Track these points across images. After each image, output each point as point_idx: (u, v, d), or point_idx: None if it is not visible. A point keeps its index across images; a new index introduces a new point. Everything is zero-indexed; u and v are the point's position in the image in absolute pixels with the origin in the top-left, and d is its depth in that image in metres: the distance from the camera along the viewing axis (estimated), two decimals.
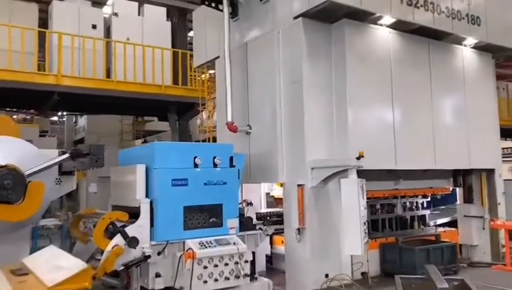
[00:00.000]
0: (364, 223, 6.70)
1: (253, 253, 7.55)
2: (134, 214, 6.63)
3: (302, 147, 7.64)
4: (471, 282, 5.68)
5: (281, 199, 8.36)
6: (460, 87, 9.67)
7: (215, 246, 6.66)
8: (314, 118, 7.78)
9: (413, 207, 10.41)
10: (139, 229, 6.44)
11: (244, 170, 7.81)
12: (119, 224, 6.55)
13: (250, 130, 8.66)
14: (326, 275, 7.50)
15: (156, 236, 6.52)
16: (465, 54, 9.79)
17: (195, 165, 6.88)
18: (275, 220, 8.24)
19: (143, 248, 6.40)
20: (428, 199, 10.66)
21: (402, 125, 8.47)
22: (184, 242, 6.65)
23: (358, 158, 6.84)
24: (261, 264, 9.69)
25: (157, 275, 6.55)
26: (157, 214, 6.54)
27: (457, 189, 10.93)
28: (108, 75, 12.23)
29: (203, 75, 12.70)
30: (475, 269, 9.53)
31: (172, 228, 6.61)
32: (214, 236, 6.85)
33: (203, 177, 6.93)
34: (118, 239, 6.28)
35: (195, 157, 6.88)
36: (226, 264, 6.62)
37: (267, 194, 10.34)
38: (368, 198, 9.17)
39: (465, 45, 9.70)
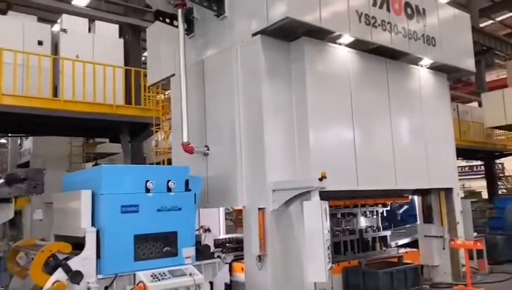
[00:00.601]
0: (328, 247, 6.37)
1: (211, 283, 7.06)
2: (78, 245, 6.01)
3: (262, 169, 7.28)
4: None
5: (241, 223, 7.93)
6: (418, 107, 9.71)
7: (169, 277, 6.14)
8: (275, 138, 7.46)
9: (374, 228, 10.24)
10: (84, 261, 5.83)
11: (201, 194, 7.35)
12: (61, 257, 5.92)
13: (207, 151, 8.22)
14: None
15: (103, 269, 5.92)
16: (422, 74, 9.88)
17: (147, 190, 6.37)
18: (234, 247, 7.77)
19: (88, 282, 5.78)
20: (388, 207, 10.52)
21: (363, 146, 8.31)
22: (135, 275, 6.09)
23: (320, 179, 6.54)
24: None
25: None
26: (104, 244, 5.95)
27: (417, 209, 10.89)
28: (55, 94, 11.48)
29: (158, 96, 12.19)
30: None
31: (121, 260, 6.03)
32: (168, 267, 6.34)
33: (156, 202, 6.42)
34: (59, 274, 5.66)
35: (147, 181, 6.38)
36: None
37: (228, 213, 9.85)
38: (329, 206, 8.95)
39: (421, 65, 9.79)
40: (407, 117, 9.43)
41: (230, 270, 9.19)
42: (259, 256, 7.05)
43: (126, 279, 6.09)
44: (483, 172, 25.75)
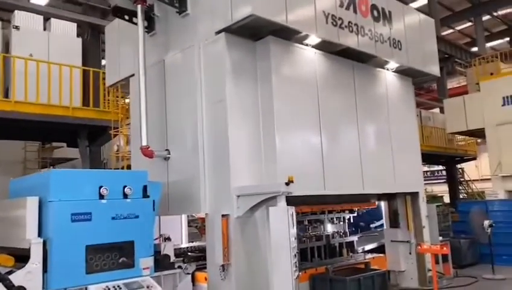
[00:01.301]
0: (295, 255, 6.08)
1: None
2: (23, 257, 5.47)
3: (226, 174, 6.93)
4: None
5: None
6: (384, 111, 9.62)
7: None
8: (240, 141, 7.13)
9: (341, 233, 10.08)
10: (29, 276, 5.32)
11: (161, 200, 6.92)
12: (4, 271, 5.36)
13: (168, 156, 7.79)
14: None
15: (51, 283, 5.42)
16: (388, 78, 9.81)
17: (101, 196, 5.91)
18: (197, 256, 7.36)
19: None
20: (355, 213, 10.39)
21: (330, 150, 8.10)
22: (86, 289, 5.58)
23: (287, 184, 6.25)
24: None
25: None
26: (52, 256, 5.45)
27: (383, 214, 10.79)
28: (6, 95, 10.75)
29: (117, 98, 11.63)
30: None
31: (71, 273, 5.54)
32: (124, 279, 5.87)
33: (111, 210, 5.96)
34: None
35: (100, 187, 5.92)
36: None
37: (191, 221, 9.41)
38: (296, 213, 8.69)
39: (387, 69, 9.72)
40: (373, 121, 9.31)
41: (193, 280, 8.77)
42: (223, 265, 6.67)
43: None
44: (444, 177, 26.34)
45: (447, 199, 22.71)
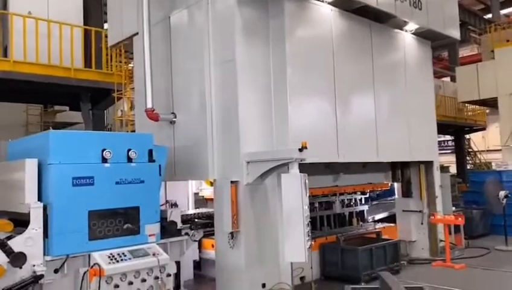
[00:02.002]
0: (308, 224, 5.78)
1: (178, 263, 6.39)
2: (23, 222, 5.19)
3: (236, 139, 6.56)
4: None
5: (212, 199, 7.24)
6: (401, 76, 9.15)
7: (129, 258, 5.43)
8: (250, 104, 6.73)
9: (352, 203, 9.82)
10: (29, 241, 5.05)
11: (167, 165, 6.60)
12: (2, 236, 5.10)
13: (174, 119, 7.41)
14: (263, 285, 6.50)
15: (52, 249, 5.16)
16: (406, 40, 9.29)
17: (104, 160, 5.59)
18: (204, 223, 7.09)
19: (34, 265, 5.00)
20: (367, 195, 10.14)
21: (344, 116, 7.70)
22: (90, 255, 5.33)
23: (301, 150, 5.88)
24: (187, 272, 8.49)
25: None
26: (52, 221, 5.17)
27: (395, 183, 10.48)
28: (5, 54, 10.31)
29: (120, 58, 11.15)
30: (415, 266, 9.07)
31: (73, 239, 5.28)
32: (129, 246, 5.62)
33: (114, 174, 5.65)
34: None
35: (103, 150, 5.58)
36: (144, 281, 5.44)
37: (196, 194, 9.14)
38: None
39: (406, 30, 9.18)
40: (390, 86, 8.86)
41: (200, 247, 8.59)
42: (232, 233, 6.40)
43: (80, 260, 5.36)
44: (450, 147, 25.95)
45: (452, 170, 22.43)
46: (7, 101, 12.05)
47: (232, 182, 6.42)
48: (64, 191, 5.23)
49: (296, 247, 5.60)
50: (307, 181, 5.95)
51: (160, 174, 6.18)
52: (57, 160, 5.23)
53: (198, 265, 8.78)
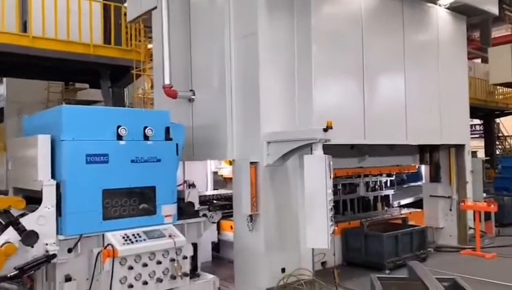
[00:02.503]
0: (331, 208, 5.47)
1: (195, 245, 6.18)
2: (37, 199, 5.04)
3: (256, 117, 6.26)
4: (463, 282, 4.61)
5: (231, 178, 6.98)
6: (434, 53, 8.62)
7: (144, 239, 5.23)
8: (272, 82, 6.39)
9: (377, 187, 9.45)
10: (41, 220, 4.89)
11: (185, 144, 6.35)
12: (15, 213, 4.96)
13: (193, 97, 7.14)
14: (283, 270, 6.25)
15: (65, 229, 4.99)
16: (440, 15, 8.71)
17: (119, 137, 5.35)
18: (222, 205, 6.86)
19: (46, 244, 4.85)
20: (393, 177, 9.73)
21: (372, 97, 7.31)
22: (104, 235, 5.15)
23: (325, 130, 5.54)
24: (206, 254, 8.33)
25: (68, 279, 5.05)
26: (66, 199, 5.00)
27: (422, 167, 10.02)
28: (24, 29, 10.17)
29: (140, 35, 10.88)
30: (442, 254, 8.69)
31: (87, 218, 5.10)
32: (145, 227, 5.42)
33: (130, 152, 5.42)
34: (10, 234, 4.70)
35: (118, 127, 5.34)
36: (159, 263, 5.24)
37: (215, 173, 8.91)
38: None
39: (440, 5, 8.60)
40: (422, 66, 8.36)
41: (218, 228, 8.40)
42: (251, 216, 6.15)
43: (93, 240, 5.17)
44: (478, 131, 25.05)
45: (480, 155, 21.67)
46: (27, 77, 12.00)
47: (251, 163, 6.14)
48: (77, 168, 5.03)
49: (318, 232, 5.30)
50: (331, 163, 5.62)
51: (177, 153, 5.93)
52: (70, 136, 5.03)
53: (216, 247, 8.63)
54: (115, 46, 10.65)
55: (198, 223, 6.20)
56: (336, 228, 5.68)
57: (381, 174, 9.24)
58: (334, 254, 6.87)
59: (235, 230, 6.57)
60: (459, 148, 9.37)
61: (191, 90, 7.16)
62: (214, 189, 9.04)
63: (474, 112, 20.83)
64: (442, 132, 8.62)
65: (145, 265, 5.11)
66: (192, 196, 6.21)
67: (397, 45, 7.83)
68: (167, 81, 6.83)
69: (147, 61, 10.42)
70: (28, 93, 14.23)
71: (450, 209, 9.38)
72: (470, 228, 9.31)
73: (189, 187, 6.30)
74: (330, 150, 6.92)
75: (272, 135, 6.12)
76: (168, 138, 5.81)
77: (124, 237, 5.14)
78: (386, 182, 9.66)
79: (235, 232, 6.58)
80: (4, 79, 14.92)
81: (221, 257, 8.28)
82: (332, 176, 5.70)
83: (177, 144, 5.92)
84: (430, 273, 4.85)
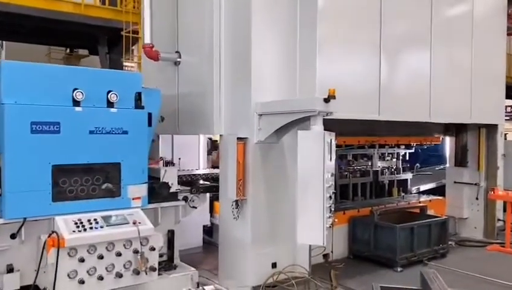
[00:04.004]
0: (330, 196, 4.47)
1: (172, 232, 5.32)
2: None
3: (247, 84, 5.24)
4: None
5: None
6: (468, 26, 7.34)
7: (102, 227, 4.36)
8: (268, 44, 5.34)
9: (392, 165, 8.34)
10: None
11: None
12: None
13: (179, 59, 6.14)
14: (274, 265, 5.33)
15: (6, 211, 4.17)
16: None
17: (75, 102, 4.45)
18: (209, 186, 5.93)
19: None
20: (413, 149, 8.59)
21: (391, 66, 6.17)
22: (54, 220, 4.30)
23: (326, 100, 4.49)
24: (196, 239, 7.56)
25: (10, 270, 4.26)
26: (5, 176, 4.15)
27: (447, 145, 8.82)
28: None
29: None
30: (466, 249, 7.60)
31: (33, 199, 4.27)
32: (107, 211, 4.56)
33: (88, 121, 4.52)
34: None
35: (74, 90, 4.42)
36: (119, 255, 4.36)
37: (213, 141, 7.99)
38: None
39: None
40: (452, 38, 7.11)
41: (211, 210, 7.55)
42: (236, 202, 5.21)
43: (42, 225, 4.36)
44: (510, 113, 23.46)
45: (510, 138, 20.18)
46: (13, 40, 11.16)
47: (239, 138, 5.16)
48: (20, 138, 4.16)
49: (311, 225, 4.32)
50: (333, 141, 4.59)
51: (150, 125, 5.00)
52: (11, 99, 4.15)
53: (209, 231, 7.79)
54: (108, 7, 9.67)
55: (176, 207, 5.32)
56: (336, 220, 4.68)
57: (398, 145, 8.13)
58: (331, 251, 5.84)
59: (220, 216, 5.67)
60: (491, 128, 8.16)
61: (176, 52, 6.16)
62: (213, 167, 8.09)
63: (508, 91, 19.27)
64: (472, 110, 7.41)
65: (100, 257, 4.26)
66: (169, 176, 5.31)
67: (423, 15, 6.61)
68: (147, 40, 5.85)
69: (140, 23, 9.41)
70: (28, 59, 13.47)
71: (477, 198, 8.24)
72: (499, 220, 8.20)
73: (167, 165, 5.38)
74: (338, 127, 5.95)
75: (264, 106, 5.10)
76: (138, 105, 4.88)
77: (76, 223, 4.28)
78: (404, 156, 8.54)
79: (220, 219, 5.68)
80: (4, 44, 14.23)
81: (213, 242, 7.41)
82: (333, 158, 4.67)
83: (150, 114, 5.00)
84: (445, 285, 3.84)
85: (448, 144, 8.76)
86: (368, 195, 7.99)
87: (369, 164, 8.10)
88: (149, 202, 4.96)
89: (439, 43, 6.81)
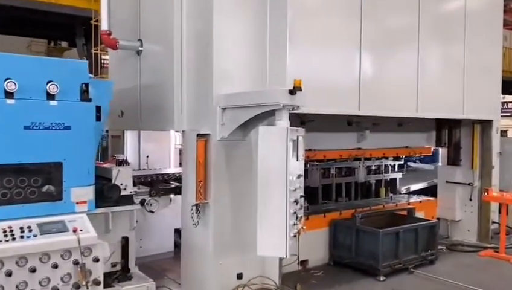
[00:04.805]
0: (296, 201, 3.94)
1: (126, 239, 4.80)
2: None
3: (208, 74, 4.70)
4: None
5: None
6: (460, 14, 6.80)
7: (35, 235, 3.84)
8: (232, 27, 4.80)
9: (381, 170, 7.85)
10: None
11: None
12: None
13: (141, 48, 5.60)
14: (240, 276, 4.81)
15: None
16: None
17: (7, 94, 3.92)
18: (171, 188, 5.40)
19: None
20: (402, 161, 8.08)
21: (374, 58, 5.65)
22: None
23: (292, 92, 3.95)
24: (168, 243, 7.03)
25: None
26: None
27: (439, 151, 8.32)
28: None
29: None
30: (457, 254, 7.08)
31: None
32: (46, 216, 4.03)
33: (23, 115, 3.99)
34: None
35: (6, 80, 3.89)
36: (55, 267, 3.83)
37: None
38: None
39: None
40: (443, 31, 6.62)
41: None
42: (197, 206, 4.68)
43: None
44: (510, 109, 22.92)
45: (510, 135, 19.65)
46: None
47: (199, 135, 4.63)
48: None
49: (272, 235, 3.80)
50: (300, 139, 4.05)
51: (99, 120, 4.48)
52: None
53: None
54: None
55: (130, 211, 4.79)
56: (304, 227, 4.14)
57: (386, 158, 7.60)
58: (298, 263, 5.25)
59: (182, 220, 5.13)
60: (486, 124, 7.61)
61: (139, 40, 5.62)
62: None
63: (507, 86, 18.67)
64: (466, 105, 6.87)
65: (32, 270, 3.73)
66: (122, 177, 4.77)
67: (411, 7, 6.12)
68: (105, 27, 5.31)
69: None
70: (7, 51, 12.99)
71: (470, 199, 7.71)
72: (494, 222, 7.67)
73: (120, 165, 4.85)
74: (318, 124, 5.45)
75: (228, 98, 4.56)
76: (85, 98, 4.33)
77: (5, 231, 3.76)
78: (393, 166, 8.04)
79: (182, 224, 5.14)
80: None
81: None
82: (301, 158, 4.15)
83: (99, 107, 4.47)
84: None
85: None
86: (353, 195, 7.46)
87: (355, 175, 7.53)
88: (98, 207, 4.45)
89: (429, 35, 6.31)
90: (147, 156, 6.59)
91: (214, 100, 4.62)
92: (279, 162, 3.80)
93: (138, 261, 6.40)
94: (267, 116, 4.36)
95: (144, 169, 6.41)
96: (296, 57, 4.85)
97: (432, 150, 8.15)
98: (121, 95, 6.11)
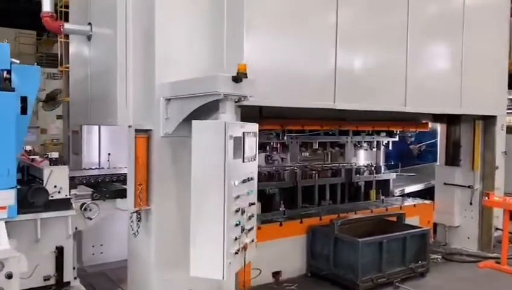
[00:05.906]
0: (242, 211, 3.29)
1: (61, 249, 4.22)
2: None
3: (151, 61, 4.08)
4: None
5: None
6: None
7: None
8: (181, 13, 4.15)
9: (372, 168, 7.14)
10: None
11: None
12: None
13: (90, 33, 4.98)
14: None
15: None
16: None
17: None
18: (117, 190, 4.78)
19: None
20: (396, 138, 7.32)
21: (352, 42, 4.93)
22: None
23: (236, 79, 3.30)
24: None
25: None
26: None
27: (438, 134, 7.52)
28: None
29: None
30: (453, 265, 6.36)
31: None
32: None
33: None
34: None
35: None
36: None
37: None
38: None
39: None
40: (435, 21, 5.91)
41: None
42: (137, 213, 4.06)
43: None
44: None
45: None
46: None
47: (138, 131, 4.01)
48: None
49: (206, 252, 3.15)
50: (248, 136, 3.39)
51: (25, 112, 3.89)
52: None
53: None
54: None
55: (65, 218, 4.19)
56: (249, 242, 3.48)
57: (378, 132, 6.87)
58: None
59: (128, 231, 4.51)
60: (489, 120, 6.84)
61: (89, 24, 5.00)
62: None
63: None
64: (463, 99, 6.10)
65: None
66: (56, 177, 4.18)
67: None
68: (46, 8, 4.72)
69: None
70: None
71: (471, 203, 6.97)
72: (497, 229, 6.91)
73: (52, 164, 4.26)
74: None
75: (172, 87, 3.92)
76: (6, 87, 3.75)
77: None
78: (387, 144, 7.28)
79: (128, 233, 4.52)
80: None
81: None
82: (255, 159, 3.51)
83: (24, 98, 3.88)
84: None
85: (439, 138, 7.46)
86: (339, 198, 6.77)
87: (342, 156, 6.84)
88: (23, 213, 3.87)
89: (419, 26, 5.54)
90: (109, 154, 6.00)
91: (156, 90, 3.99)
92: (214, 163, 3.15)
93: (96, 269, 5.92)
94: (214, 109, 3.71)
95: (102, 168, 5.83)
96: (256, 44, 4.20)
97: (430, 126, 7.37)
98: (74, 86, 5.59)
